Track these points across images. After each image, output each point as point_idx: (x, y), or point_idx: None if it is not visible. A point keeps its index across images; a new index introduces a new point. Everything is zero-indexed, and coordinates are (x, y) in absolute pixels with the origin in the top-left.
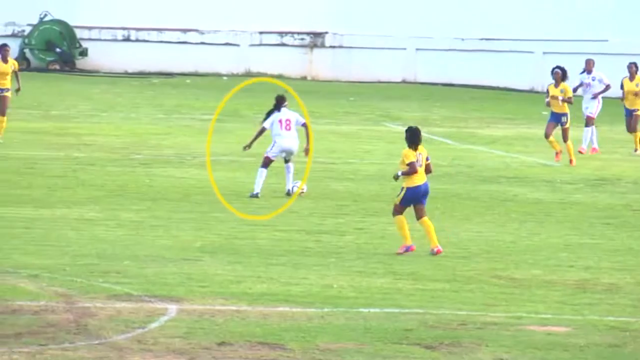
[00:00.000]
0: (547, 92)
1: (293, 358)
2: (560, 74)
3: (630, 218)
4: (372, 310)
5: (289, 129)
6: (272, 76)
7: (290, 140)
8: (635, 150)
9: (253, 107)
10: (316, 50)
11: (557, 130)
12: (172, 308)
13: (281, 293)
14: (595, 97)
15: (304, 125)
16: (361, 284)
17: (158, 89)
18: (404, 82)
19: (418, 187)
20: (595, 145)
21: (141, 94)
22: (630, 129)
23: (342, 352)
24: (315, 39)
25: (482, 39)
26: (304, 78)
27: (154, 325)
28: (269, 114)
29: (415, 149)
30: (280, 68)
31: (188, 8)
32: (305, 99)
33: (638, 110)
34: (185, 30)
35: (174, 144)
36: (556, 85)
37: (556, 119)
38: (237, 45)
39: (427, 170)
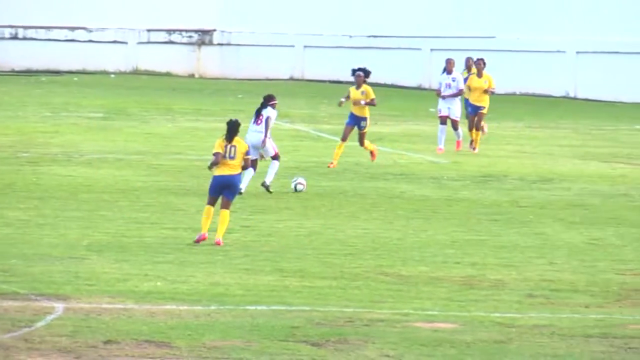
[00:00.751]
0: (349, 93)
1: (180, 356)
2: (362, 77)
3: (517, 214)
4: (259, 307)
5: (259, 124)
6: (160, 74)
7: (255, 134)
8: (474, 148)
9: (140, 104)
10: (204, 48)
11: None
12: (59, 306)
13: (168, 291)
14: (444, 97)
15: (267, 119)
16: (248, 282)
17: (46, 87)
18: (291, 79)
19: (221, 176)
20: (441, 146)
21: (29, 93)
22: (471, 127)
23: (229, 350)
24: (203, 37)
25: (369, 36)
26: (192, 76)
27: (40, 323)
28: (257, 111)
29: (230, 141)
30: (168, 66)
31: (76, 6)
32: (193, 96)
33: (484, 108)
34: (73, 28)
35: (61, 142)
36: (357, 87)
37: (355, 122)
38: (125, 43)
39: (245, 165)
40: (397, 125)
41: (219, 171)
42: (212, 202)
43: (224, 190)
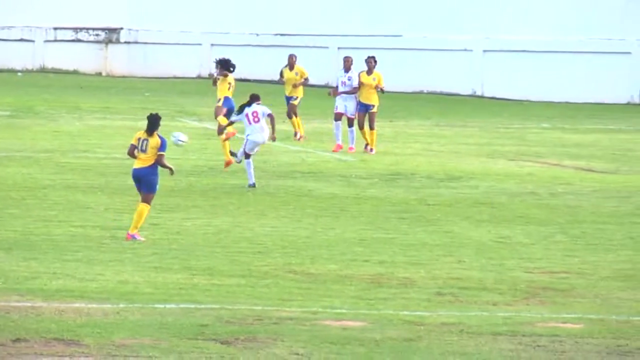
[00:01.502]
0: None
1: (89, 354)
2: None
3: (425, 212)
4: (167, 305)
5: (257, 121)
6: (68, 72)
7: (261, 133)
8: (369, 147)
9: (48, 103)
10: (111, 46)
11: None
12: None
13: (77, 289)
14: (335, 95)
15: (270, 115)
16: (157, 280)
17: None
18: (199, 77)
19: (133, 169)
20: (339, 142)
21: None
22: (362, 125)
23: (138, 348)
24: (110, 35)
25: (276, 34)
26: (99, 74)
27: None
28: (241, 107)
29: (149, 135)
30: (76, 64)
31: None
32: (101, 95)
33: (374, 107)
34: None
35: None
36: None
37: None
38: (32, 41)
39: (159, 161)
40: (304, 123)
41: (134, 164)
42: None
43: (138, 183)
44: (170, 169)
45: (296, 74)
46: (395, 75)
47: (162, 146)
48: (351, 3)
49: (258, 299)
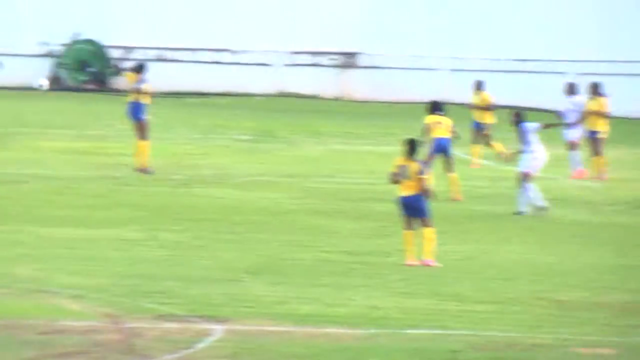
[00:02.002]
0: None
1: None
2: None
3: None
4: (418, 331)
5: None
6: (306, 96)
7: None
8: (601, 176)
9: (288, 127)
10: (350, 71)
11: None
12: (218, 329)
13: (326, 314)
14: (572, 126)
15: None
16: (406, 305)
17: (192, 109)
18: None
19: (400, 197)
20: (578, 168)
21: (175, 114)
22: (594, 152)
23: None
24: (349, 59)
25: (516, 60)
26: (339, 98)
27: (200, 345)
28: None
29: (407, 159)
30: (315, 88)
31: (220, 28)
32: (342, 119)
33: (600, 133)
34: (217, 50)
35: (211, 164)
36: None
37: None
38: (270, 65)
39: (420, 186)
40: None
41: (398, 192)
42: (406, 226)
43: (407, 210)
44: (432, 192)
45: (480, 99)
46: (634, 101)
47: (422, 170)
48: (589, 28)
49: (508, 325)
